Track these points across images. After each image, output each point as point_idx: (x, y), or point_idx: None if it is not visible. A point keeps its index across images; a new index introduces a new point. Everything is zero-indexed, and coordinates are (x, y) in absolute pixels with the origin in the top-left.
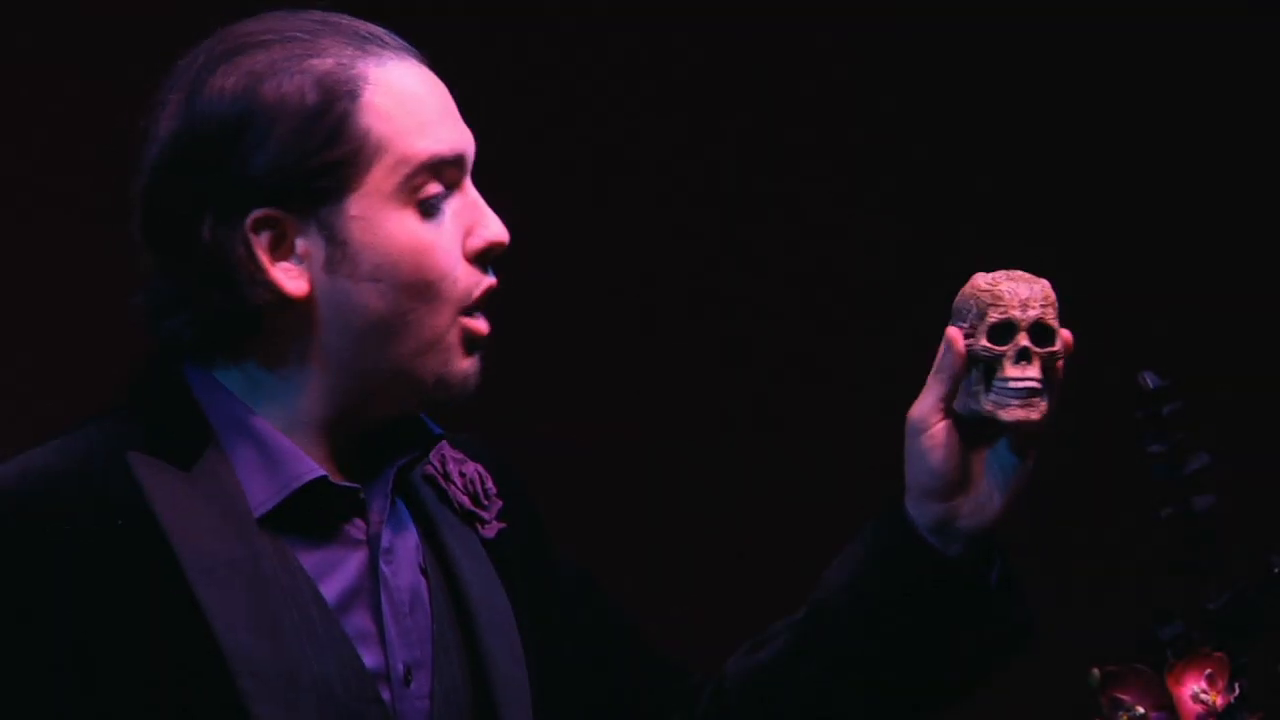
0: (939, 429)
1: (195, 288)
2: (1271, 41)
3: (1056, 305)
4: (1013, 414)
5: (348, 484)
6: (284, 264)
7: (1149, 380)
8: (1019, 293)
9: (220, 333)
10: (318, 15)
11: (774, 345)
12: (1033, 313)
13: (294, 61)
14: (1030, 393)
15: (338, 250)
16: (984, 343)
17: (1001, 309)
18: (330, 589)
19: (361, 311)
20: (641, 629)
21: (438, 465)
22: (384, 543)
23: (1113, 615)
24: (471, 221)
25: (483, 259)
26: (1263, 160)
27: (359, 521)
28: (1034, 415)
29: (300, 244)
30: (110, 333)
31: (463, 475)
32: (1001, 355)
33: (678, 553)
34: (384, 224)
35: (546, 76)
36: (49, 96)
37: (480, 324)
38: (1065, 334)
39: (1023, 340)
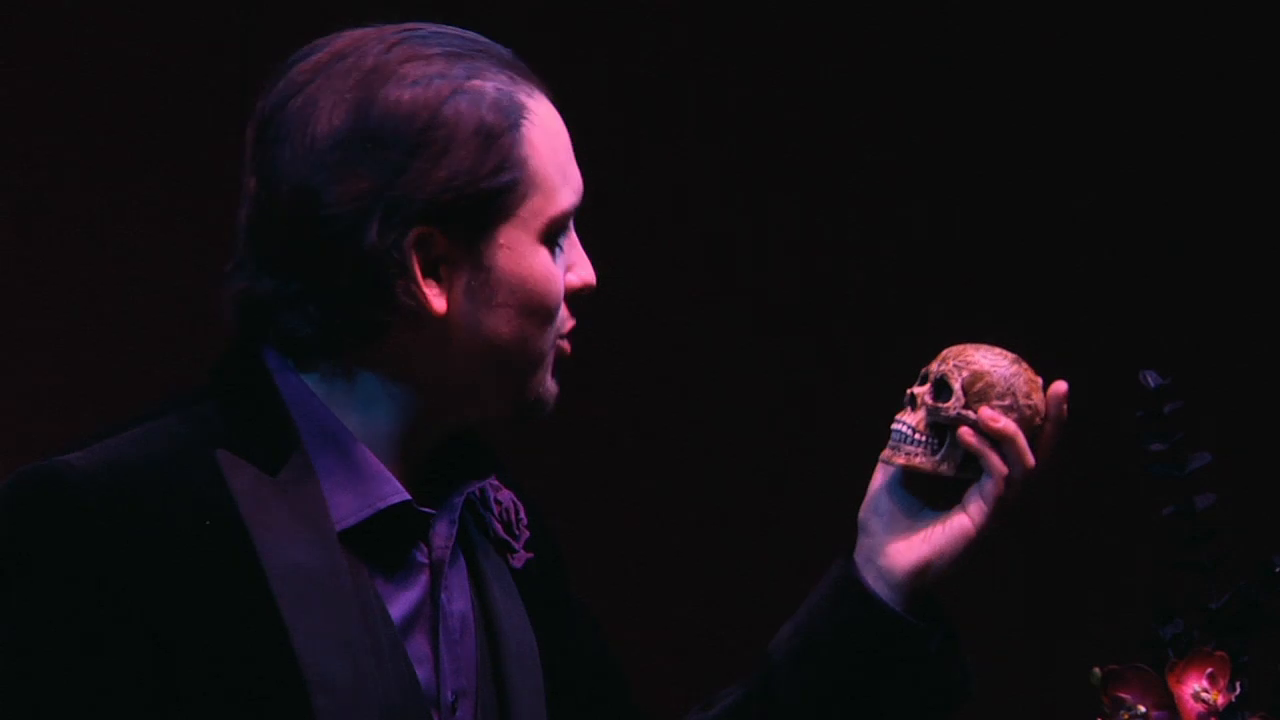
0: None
1: (346, 290)
2: (1271, 41)
3: (988, 380)
4: (887, 450)
5: (426, 509)
6: (429, 280)
7: (1149, 380)
8: (949, 352)
9: (346, 337)
10: (455, 31)
11: (774, 345)
12: (943, 368)
13: (462, 80)
14: (898, 436)
15: (481, 274)
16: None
17: (931, 360)
18: (396, 611)
19: (488, 334)
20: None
21: (477, 491)
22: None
23: (1113, 615)
24: (572, 260)
25: (574, 297)
26: (1263, 160)
27: (422, 545)
28: (897, 459)
29: (446, 264)
30: (111, 331)
31: (499, 503)
32: (907, 397)
33: (677, 552)
34: (526, 255)
35: (545, 77)
36: (49, 96)
37: (567, 344)
38: (985, 411)
39: (916, 388)
